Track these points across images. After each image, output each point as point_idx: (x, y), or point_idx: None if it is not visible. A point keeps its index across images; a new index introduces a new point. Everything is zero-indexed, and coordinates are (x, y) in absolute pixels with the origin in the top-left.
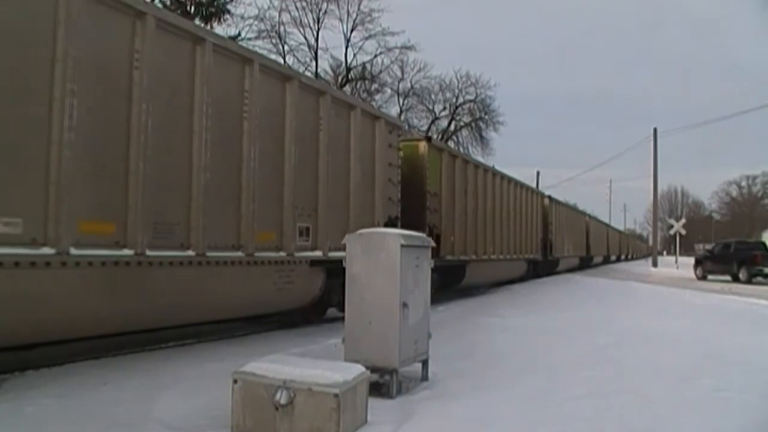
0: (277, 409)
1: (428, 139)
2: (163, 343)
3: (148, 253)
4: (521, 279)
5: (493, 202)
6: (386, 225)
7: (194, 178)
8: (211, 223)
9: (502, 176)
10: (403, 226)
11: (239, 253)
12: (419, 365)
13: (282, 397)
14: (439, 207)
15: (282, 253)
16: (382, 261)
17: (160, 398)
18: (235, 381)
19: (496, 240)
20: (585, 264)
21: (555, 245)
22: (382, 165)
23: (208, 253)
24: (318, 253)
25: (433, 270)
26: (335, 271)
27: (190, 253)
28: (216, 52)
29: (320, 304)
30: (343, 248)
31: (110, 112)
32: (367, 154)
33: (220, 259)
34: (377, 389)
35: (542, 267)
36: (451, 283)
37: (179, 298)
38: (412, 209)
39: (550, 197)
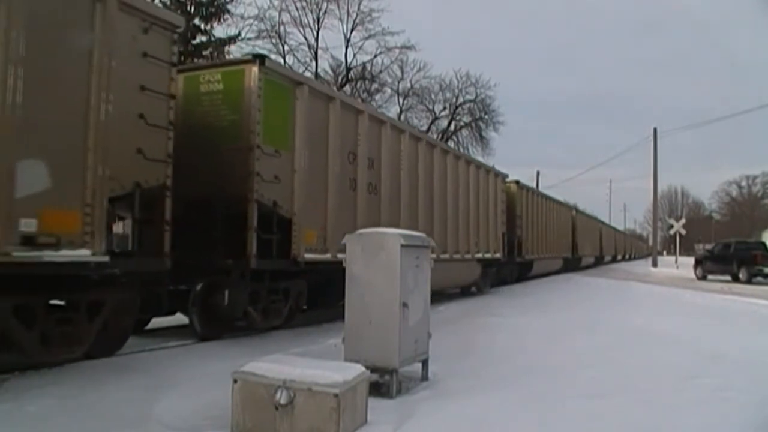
0: (277, 409)
1: (517, 182)
2: (164, 344)
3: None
4: (558, 272)
5: (545, 217)
6: (502, 238)
7: (449, 228)
8: (452, 243)
9: (550, 198)
10: (507, 238)
11: (456, 255)
12: (419, 365)
13: (282, 397)
14: (522, 224)
15: (468, 255)
16: (383, 261)
17: (160, 398)
18: (235, 381)
19: (547, 244)
20: (598, 262)
21: (579, 246)
22: (499, 201)
23: (453, 255)
24: (479, 255)
25: (516, 263)
26: (488, 264)
27: (446, 255)
28: (392, 128)
29: (479, 283)
30: (485, 250)
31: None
32: (492, 195)
33: (447, 258)
34: (377, 389)
35: (570, 263)
36: (524, 273)
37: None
38: (508, 227)
39: (576, 209)
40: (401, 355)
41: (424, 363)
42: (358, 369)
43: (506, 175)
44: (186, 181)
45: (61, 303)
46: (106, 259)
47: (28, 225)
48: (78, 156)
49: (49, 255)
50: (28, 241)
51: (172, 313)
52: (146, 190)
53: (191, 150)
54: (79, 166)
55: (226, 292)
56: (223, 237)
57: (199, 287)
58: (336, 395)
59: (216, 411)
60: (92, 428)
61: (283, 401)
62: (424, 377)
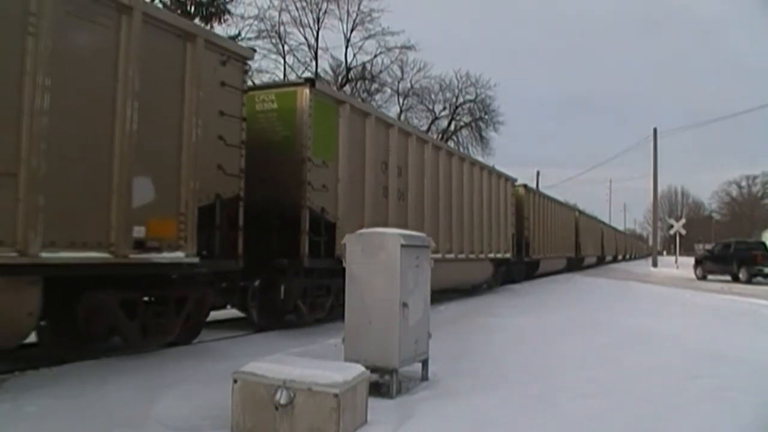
0: (277, 409)
1: (525, 185)
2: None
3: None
4: (561, 271)
5: (550, 218)
6: (512, 238)
7: (465, 230)
8: (468, 244)
9: (555, 201)
10: (516, 239)
11: (472, 255)
12: (419, 365)
13: (282, 397)
14: (530, 226)
15: (482, 255)
16: (382, 261)
17: (160, 398)
18: (235, 381)
19: (552, 244)
20: (599, 262)
21: (582, 247)
22: (509, 204)
23: (469, 255)
24: (491, 255)
25: (524, 263)
26: (499, 263)
27: (463, 255)
28: (418, 140)
29: (491, 281)
30: (497, 251)
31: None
32: (503, 198)
33: (463, 258)
34: (377, 389)
35: (573, 263)
36: (531, 272)
37: (454, 274)
38: (517, 228)
39: (579, 210)
40: (401, 355)
41: (424, 363)
42: (358, 369)
43: (515, 179)
44: (245, 190)
45: (150, 299)
46: (196, 260)
47: (139, 232)
48: (174, 172)
49: (155, 257)
50: (139, 245)
51: (223, 307)
52: (225, 200)
53: (249, 163)
54: (175, 180)
55: (282, 288)
56: (279, 239)
57: (257, 283)
58: (336, 395)
59: (216, 411)
60: (92, 428)
61: (283, 401)
62: (424, 377)
